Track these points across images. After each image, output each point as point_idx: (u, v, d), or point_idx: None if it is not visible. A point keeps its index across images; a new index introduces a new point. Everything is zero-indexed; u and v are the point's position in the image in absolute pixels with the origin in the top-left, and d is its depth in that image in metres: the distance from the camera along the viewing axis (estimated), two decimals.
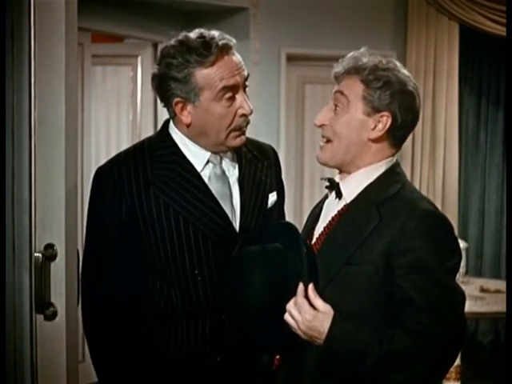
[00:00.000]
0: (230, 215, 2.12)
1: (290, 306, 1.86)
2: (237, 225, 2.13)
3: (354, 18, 5.60)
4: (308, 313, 1.83)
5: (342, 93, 1.96)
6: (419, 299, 1.80)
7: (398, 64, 1.98)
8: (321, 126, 2.00)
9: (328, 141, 1.98)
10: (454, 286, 1.87)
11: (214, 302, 2.10)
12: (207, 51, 2.01)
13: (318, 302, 1.84)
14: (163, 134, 2.17)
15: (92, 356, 2.16)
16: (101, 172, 2.14)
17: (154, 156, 2.12)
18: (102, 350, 2.15)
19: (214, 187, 2.13)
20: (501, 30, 5.54)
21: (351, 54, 2.00)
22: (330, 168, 2.05)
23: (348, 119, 1.95)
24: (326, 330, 1.81)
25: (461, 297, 1.88)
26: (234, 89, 2.05)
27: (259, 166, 2.23)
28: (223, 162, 2.16)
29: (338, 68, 1.99)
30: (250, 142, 2.27)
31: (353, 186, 1.98)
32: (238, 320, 2.02)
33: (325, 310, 1.83)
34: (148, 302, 2.15)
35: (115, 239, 2.11)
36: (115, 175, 2.10)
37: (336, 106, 1.97)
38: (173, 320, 2.13)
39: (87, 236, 2.17)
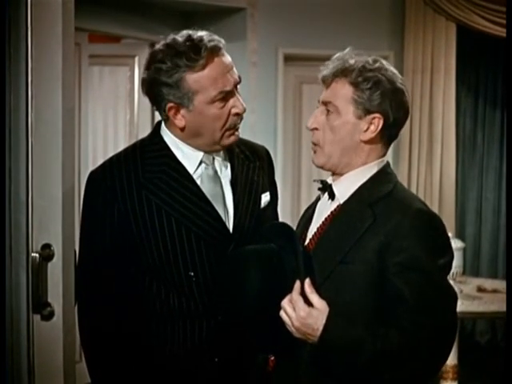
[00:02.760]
0: (223, 216, 2.12)
1: (285, 302, 1.86)
2: (230, 225, 2.13)
3: (352, 18, 5.61)
4: (302, 310, 1.83)
5: (329, 101, 1.97)
6: (412, 297, 1.81)
7: (384, 62, 2.00)
8: (313, 130, 2.00)
9: (318, 145, 1.99)
10: (446, 284, 1.89)
11: (210, 303, 2.10)
12: (197, 55, 2.00)
13: (314, 298, 1.84)
14: (155, 136, 2.17)
15: (87, 357, 2.16)
16: (93, 176, 2.15)
17: (146, 158, 2.12)
18: (98, 350, 2.14)
19: (207, 188, 2.12)
20: (498, 31, 5.55)
21: (336, 55, 2.01)
22: (325, 171, 2.05)
23: (340, 124, 1.95)
24: (321, 328, 1.81)
25: (453, 295, 1.89)
26: (228, 92, 2.06)
27: (251, 167, 2.23)
28: (216, 163, 2.16)
29: (326, 71, 2.00)
30: (243, 143, 2.27)
31: (346, 186, 1.98)
32: (235, 320, 2.02)
33: (320, 306, 1.83)
34: (144, 303, 2.15)
35: (108, 243, 2.11)
36: (107, 179, 2.10)
37: (328, 109, 1.98)
38: (169, 321, 2.13)
39: (81, 240, 2.17)
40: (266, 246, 1.99)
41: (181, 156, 2.13)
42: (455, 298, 1.90)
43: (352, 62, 1.96)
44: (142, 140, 2.24)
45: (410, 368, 1.82)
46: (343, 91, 1.95)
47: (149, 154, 2.13)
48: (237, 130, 2.12)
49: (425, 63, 5.76)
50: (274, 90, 5.53)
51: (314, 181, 2.09)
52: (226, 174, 2.17)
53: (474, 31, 5.73)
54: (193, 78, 2.02)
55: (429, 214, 1.92)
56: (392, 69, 1.99)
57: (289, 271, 1.92)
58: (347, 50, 2.00)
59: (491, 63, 6.21)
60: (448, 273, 1.93)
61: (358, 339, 1.80)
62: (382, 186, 1.96)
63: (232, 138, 2.11)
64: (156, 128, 2.19)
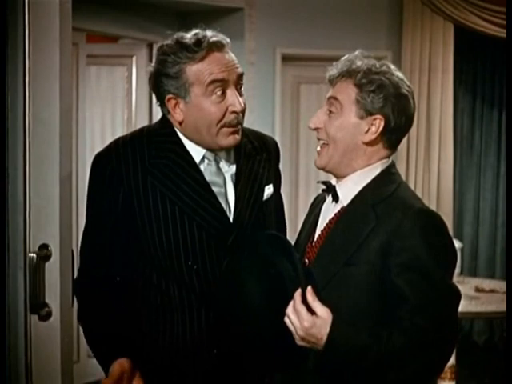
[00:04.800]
0: (224, 208, 2.13)
1: (289, 310, 1.86)
2: (231, 217, 2.13)
3: (350, 18, 5.60)
4: (306, 320, 1.82)
5: (335, 98, 1.96)
6: (414, 298, 1.81)
7: (392, 67, 1.98)
8: (315, 129, 2.00)
9: (324, 144, 1.99)
10: (448, 284, 1.88)
11: (210, 294, 2.11)
12: (197, 47, 2.04)
13: (317, 306, 1.83)
14: (163, 121, 2.17)
15: (87, 342, 2.17)
16: (99, 158, 2.14)
17: (153, 142, 2.13)
18: (97, 342, 2.14)
19: (209, 181, 2.13)
20: (495, 31, 5.55)
21: (345, 56, 2.00)
22: (326, 172, 2.05)
23: (342, 123, 1.95)
24: (325, 337, 1.81)
25: (455, 296, 1.88)
26: (223, 84, 2.06)
27: (257, 159, 2.24)
28: (218, 159, 2.16)
29: (332, 71, 2.00)
30: (251, 133, 2.28)
31: (349, 188, 1.98)
32: (239, 333, 2.02)
33: (323, 314, 1.82)
34: (144, 294, 2.16)
35: (111, 225, 2.11)
36: (113, 162, 2.10)
37: (330, 110, 1.98)
38: (169, 312, 2.14)
39: (86, 220, 2.18)
40: (263, 256, 1.99)
41: (188, 148, 2.14)
42: (458, 297, 1.89)
43: (359, 63, 1.96)
44: (149, 125, 2.25)
45: (411, 370, 1.82)
46: (348, 91, 1.95)
47: (156, 139, 2.14)
48: (236, 131, 2.12)
49: (422, 63, 5.76)
50: (272, 89, 5.53)
51: (318, 182, 2.09)
52: (229, 169, 2.18)
53: (471, 31, 5.73)
54: (191, 70, 2.05)
55: (430, 214, 1.91)
56: (399, 74, 1.97)
57: (288, 279, 1.91)
58: (357, 52, 2.00)
59: (489, 62, 6.21)
60: (451, 272, 1.91)
61: (362, 345, 1.79)
62: (385, 187, 1.95)
63: (231, 139, 2.11)
64: (164, 116, 2.19)
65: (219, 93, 2.06)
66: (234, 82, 2.08)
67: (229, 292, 2.01)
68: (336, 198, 2.00)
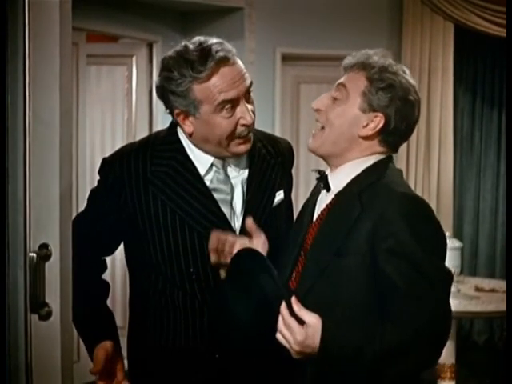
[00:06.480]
0: (228, 216, 2.13)
1: (281, 326, 1.84)
2: (237, 224, 2.13)
3: (349, 17, 5.61)
4: (298, 333, 1.81)
5: (344, 85, 1.97)
6: (402, 284, 1.80)
7: (407, 72, 1.99)
8: (316, 110, 2.01)
9: (321, 128, 2.00)
10: (437, 267, 1.86)
11: (210, 301, 2.11)
12: (203, 66, 2.00)
13: (305, 315, 1.82)
14: (170, 129, 2.19)
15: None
16: (104, 164, 2.19)
17: (156, 151, 2.14)
18: (80, 322, 2.20)
19: (215, 189, 2.13)
20: (496, 30, 5.55)
21: (365, 50, 2.02)
22: (318, 157, 2.04)
23: (343, 110, 1.96)
24: (318, 343, 1.80)
25: (445, 277, 1.87)
26: (234, 101, 2.04)
27: (271, 163, 2.23)
28: (227, 166, 2.16)
29: (348, 60, 2.01)
30: (266, 137, 2.28)
31: (340, 178, 1.99)
32: (235, 354, 2.05)
33: (312, 322, 1.81)
34: (150, 295, 2.18)
35: (105, 228, 2.18)
36: (116, 170, 2.14)
37: (335, 97, 1.99)
38: (172, 317, 2.16)
39: (84, 209, 2.26)
40: (245, 275, 1.99)
41: (191, 156, 2.14)
42: (449, 279, 1.88)
43: (376, 58, 1.97)
44: (158, 132, 2.27)
45: (408, 362, 1.82)
46: (358, 82, 1.96)
47: (160, 147, 2.15)
48: (247, 140, 2.11)
49: (422, 63, 5.76)
50: (272, 89, 5.53)
51: (313, 170, 2.09)
52: (239, 173, 2.17)
53: (471, 31, 5.73)
54: (199, 88, 2.02)
55: (414, 198, 1.91)
56: (412, 81, 1.98)
57: (270, 295, 1.90)
58: (378, 50, 2.00)
59: (489, 63, 6.21)
60: (441, 254, 1.90)
61: (356, 346, 1.79)
62: (372, 176, 1.96)
63: (242, 147, 2.11)
64: (173, 123, 2.20)
65: (229, 108, 2.04)
66: (243, 95, 2.07)
67: (219, 314, 2.02)
68: (328, 188, 2.00)
